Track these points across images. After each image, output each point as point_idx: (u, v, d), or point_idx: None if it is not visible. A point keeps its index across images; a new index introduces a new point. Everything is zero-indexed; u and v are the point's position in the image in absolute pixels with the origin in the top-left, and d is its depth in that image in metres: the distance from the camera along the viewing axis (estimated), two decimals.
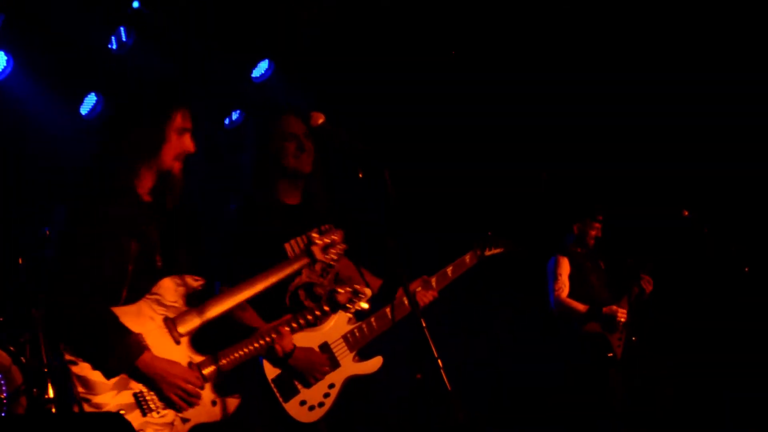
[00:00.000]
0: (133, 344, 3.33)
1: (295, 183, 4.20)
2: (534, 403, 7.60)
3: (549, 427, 7.17)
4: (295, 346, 3.80)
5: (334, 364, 4.00)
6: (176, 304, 3.51)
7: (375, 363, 4.09)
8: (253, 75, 6.88)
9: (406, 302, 4.13)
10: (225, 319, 3.63)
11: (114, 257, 3.45)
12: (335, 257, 3.79)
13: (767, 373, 7.05)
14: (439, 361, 3.20)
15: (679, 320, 7.56)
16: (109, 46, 6.11)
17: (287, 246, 4.04)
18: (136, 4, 6.07)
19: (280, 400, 3.86)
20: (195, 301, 3.56)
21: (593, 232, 6.97)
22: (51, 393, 5.47)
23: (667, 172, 7.65)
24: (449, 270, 4.43)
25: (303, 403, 3.90)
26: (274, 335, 3.71)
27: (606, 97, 7.51)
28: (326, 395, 3.94)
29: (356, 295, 3.83)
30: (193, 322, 3.50)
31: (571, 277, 6.87)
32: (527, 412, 7.57)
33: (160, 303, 3.48)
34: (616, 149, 7.64)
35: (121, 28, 6.09)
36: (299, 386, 3.91)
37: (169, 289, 3.52)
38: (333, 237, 3.78)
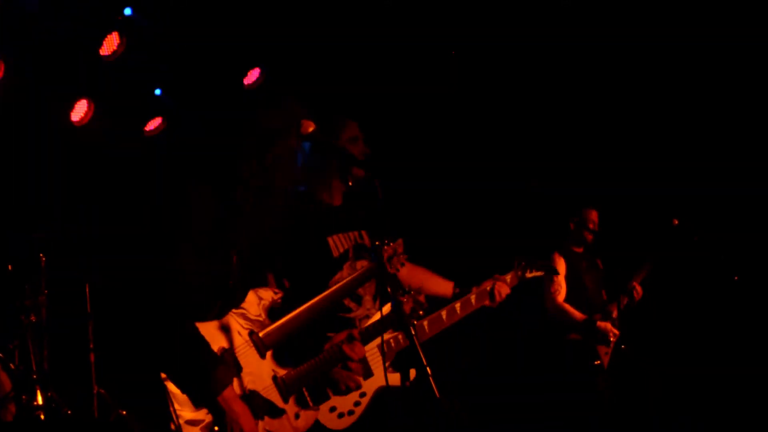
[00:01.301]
0: (219, 379, 3.39)
1: (346, 185, 4.22)
2: (522, 409, 7.58)
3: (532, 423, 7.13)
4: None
5: (368, 373, 3.97)
6: (260, 318, 3.60)
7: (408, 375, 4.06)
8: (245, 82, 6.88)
9: (444, 316, 4.17)
10: (306, 330, 3.69)
11: (217, 270, 3.52)
12: (399, 267, 3.84)
13: (756, 380, 7.06)
14: (428, 368, 3.19)
15: (669, 328, 7.57)
16: (101, 52, 6.11)
17: (330, 240, 4.06)
18: (127, 11, 6.07)
19: (310, 404, 3.85)
20: (275, 313, 3.64)
21: (590, 225, 6.89)
22: (40, 400, 5.52)
23: (657, 179, 7.64)
24: (487, 286, 4.45)
25: (333, 409, 3.87)
26: (346, 344, 3.73)
27: (597, 101, 7.54)
28: (357, 404, 3.91)
29: (419, 305, 3.88)
30: (276, 336, 3.58)
31: (566, 278, 6.84)
32: (515, 418, 7.55)
33: (245, 317, 3.57)
34: (608, 155, 7.63)
35: (113, 35, 6.09)
36: (330, 392, 3.90)
37: (253, 303, 3.61)
38: (395, 247, 3.82)
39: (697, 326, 7.52)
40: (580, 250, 6.95)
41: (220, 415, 3.38)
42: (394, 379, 3.93)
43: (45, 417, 5.49)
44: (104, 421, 5.89)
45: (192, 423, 3.33)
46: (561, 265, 6.81)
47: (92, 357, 6.07)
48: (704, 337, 7.44)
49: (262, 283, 3.69)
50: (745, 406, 7.08)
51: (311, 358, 3.68)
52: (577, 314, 6.67)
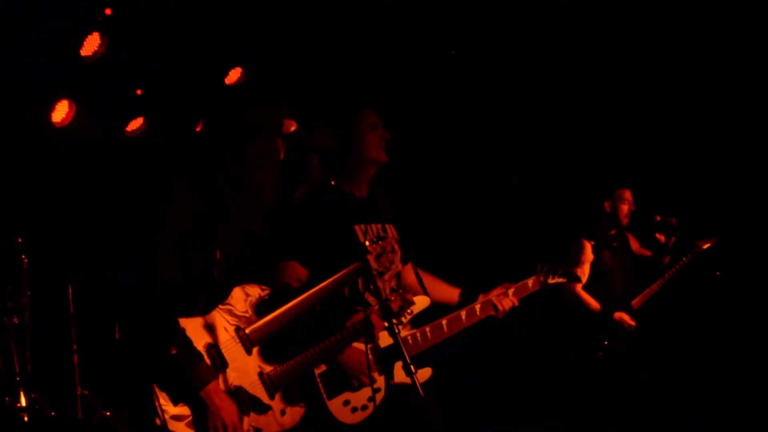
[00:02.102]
0: (200, 375, 3.36)
1: (369, 174, 4.24)
2: (520, 405, 7.60)
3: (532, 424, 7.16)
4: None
5: (382, 370, 3.99)
6: (246, 314, 3.59)
7: (423, 374, 4.06)
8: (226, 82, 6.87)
9: (463, 317, 4.18)
10: (293, 327, 3.68)
11: (200, 267, 3.50)
12: (388, 265, 3.84)
13: (742, 375, 7.10)
14: (411, 366, 3.20)
15: (654, 325, 7.60)
16: (81, 52, 6.09)
17: (357, 228, 4.08)
18: (108, 11, 6.05)
19: (324, 396, 3.85)
20: (263, 309, 3.63)
21: (626, 206, 6.72)
22: (23, 401, 5.50)
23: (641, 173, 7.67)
24: (511, 291, 4.44)
25: (347, 403, 3.89)
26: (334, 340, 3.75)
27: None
28: (370, 399, 3.92)
29: (408, 303, 3.88)
30: (263, 332, 3.57)
31: (592, 264, 6.48)
32: (506, 409, 7.57)
33: (232, 313, 3.56)
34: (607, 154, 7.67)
35: (94, 35, 6.07)
36: (345, 386, 3.91)
37: (240, 299, 3.60)
38: (384, 245, 3.82)
39: (682, 323, 7.55)
40: (612, 232, 6.76)
41: (201, 409, 3.37)
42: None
43: (28, 419, 5.48)
44: (88, 422, 5.88)
45: (177, 418, 3.33)
46: (588, 252, 6.59)
47: (76, 358, 6.06)
48: (690, 334, 7.49)
49: (249, 279, 3.69)
50: (732, 403, 7.13)
51: (298, 354, 3.69)
52: (593, 303, 6.56)
